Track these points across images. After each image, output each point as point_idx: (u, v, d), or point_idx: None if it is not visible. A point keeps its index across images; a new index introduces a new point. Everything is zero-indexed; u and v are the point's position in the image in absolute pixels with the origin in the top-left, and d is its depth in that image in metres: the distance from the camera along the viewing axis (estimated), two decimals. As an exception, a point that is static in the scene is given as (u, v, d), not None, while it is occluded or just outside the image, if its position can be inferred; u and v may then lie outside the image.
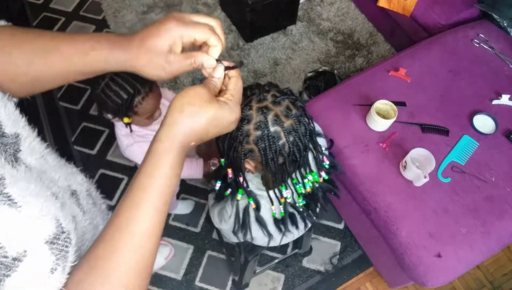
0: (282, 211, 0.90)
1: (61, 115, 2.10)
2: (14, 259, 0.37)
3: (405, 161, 1.32)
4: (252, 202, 0.89)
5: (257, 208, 0.90)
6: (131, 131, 1.19)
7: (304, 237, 1.58)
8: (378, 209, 1.34)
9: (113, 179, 1.91)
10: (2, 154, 0.44)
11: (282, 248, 1.75)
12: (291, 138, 0.74)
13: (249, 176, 0.89)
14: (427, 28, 1.97)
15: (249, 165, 0.80)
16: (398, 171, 1.38)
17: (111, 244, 0.45)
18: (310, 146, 0.80)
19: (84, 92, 2.16)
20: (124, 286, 0.45)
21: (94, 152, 1.99)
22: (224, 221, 0.98)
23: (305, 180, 0.85)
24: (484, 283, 1.75)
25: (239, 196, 0.88)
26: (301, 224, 0.99)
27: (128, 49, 0.50)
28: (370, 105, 1.43)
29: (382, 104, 1.43)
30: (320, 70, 2.11)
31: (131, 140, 1.21)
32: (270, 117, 0.72)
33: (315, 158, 0.86)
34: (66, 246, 0.43)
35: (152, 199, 0.47)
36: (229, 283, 1.70)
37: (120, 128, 1.21)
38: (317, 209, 0.98)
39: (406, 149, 1.37)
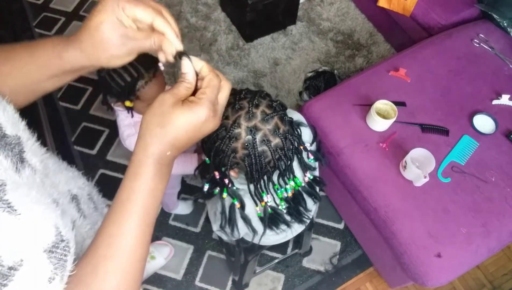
0: (259, 212, 0.92)
1: (61, 115, 2.10)
2: (10, 268, 0.37)
3: (405, 161, 1.32)
4: (236, 202, 0.90)
5: (242, 207, 0.91)
6: (132, 116, 1.19)
7: (304, 237, 1.58)
8: (378, 209, 1.34)
9: (113, 179, 1.91)
10: (9, 155, 0.43)
11: (282, 248, 1.75)
12: (277, 156, 0.75)
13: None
14: (427, 28, 1.97)
15: (233, 172, 0.82)
16: (398, 171, 1.38)
17: (97, 263, 0.45)
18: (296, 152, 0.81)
19: (84, 92, 2.16)
20: None
21: (94, 152, 1.99)
22: (216, 218, 0.99)
23: (287, 186, 0.86)
24: (484, 283, 1.75)
25: (224, 194, 0.89)
26: (294, 223, 0.99)
27: (77, 41, 0.48)
28: (370, 105, 1.43)
29: (382, 104, 1.43)
30: (320, 70, 2.11)
31: (133, 130, 1.21)
32: (258, 137, 0.72)
33: (300, 162, 0.86)
34: (65, 255, 0.42)
35: (134, 213, 0.47)
36: (229, 283, 1.70)
37: (123, 118, 1.22)
38: (300, 211, 0.98)
39: (406, 149, 1.36)
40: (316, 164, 0.96)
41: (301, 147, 0.83)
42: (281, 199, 0.90)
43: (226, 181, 0.83)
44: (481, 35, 1.75)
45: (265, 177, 0.81)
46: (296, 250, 1.73)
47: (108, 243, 0.46)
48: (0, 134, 0.44)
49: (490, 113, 1.50)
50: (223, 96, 0.51)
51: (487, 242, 1.28)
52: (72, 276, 0.44)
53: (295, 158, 0.83)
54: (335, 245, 1.80)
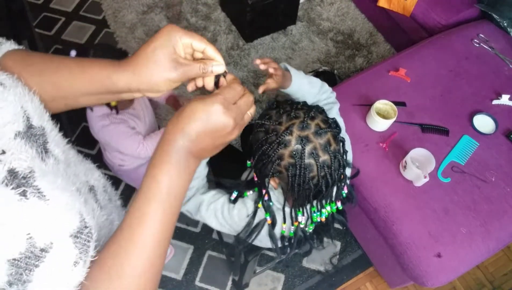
0: (292, 232, 0.89)
1: (61, 115, 2.10)
2: (42, 250, 0.39)
3: (405, 161, 1.32)
4: (268, 218, 0.87)
5: (272, 224, 0.88)
6: (117, 113, 1.24)
7: (304, 237, 1.58)
8: (378, 209, 1.34)
9: (113, 179, 1.90)
10: (34, 145, 0.45)
11: (282, 249, 1.74)
12: (323, 173, 0.73)
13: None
14: (427, 28, 1.97)
15: (273, 181, 0.80)
16: (398, 171, 1.38)
17: (120, 245, 0.46)
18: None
19: (84, 92, 2.16)
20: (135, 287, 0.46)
21: (94, 152, 1.99)
22: (238, 217, 0.94)
23: (323, 210, 0.84)
24: (484, 283, 1.75)
25: (260, 204, 0.87)
26: (304, 246, 0.98)
27: (131, 64, 0.50)
28: (370, 105, 1.43)
29: (382, 104, 1.43)
30: (320, 70, 2.11)
31: (107, 121, 1.25)
32: (308, 148, 0.71)
33: (338, 188, 0.84)
34: (88, 241, 0.44)
35: (156, 205, 0.47)
36: (229, 283, 1.70)
37: (97, 110, 1.25)
38: (324, 239, 0.97)
39: (406, 149, 1.36)
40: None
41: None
42: (312, 222, 0.88)
43: (264, 192, 0.81)
44: (481, 35, 1.75)
45: (305, 195, 0.78)
46: (296, 250, 1.73)
47: (132, 227, 0.47)
48: (28, 124, 0.46)
49: (490, 113, 1.50)
50: (243, 101, 0.51)
51: (487, 242, 1.28)
52: (96, 260, 0.45)
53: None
54: (335, 245, 1.80)
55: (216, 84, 0.55)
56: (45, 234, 0.39)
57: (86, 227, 0.44)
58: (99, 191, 0.64)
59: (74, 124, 2.07)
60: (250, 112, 0.52)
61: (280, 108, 0.76)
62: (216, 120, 0.48)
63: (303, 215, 0.84)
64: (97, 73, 0.51)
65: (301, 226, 0.88)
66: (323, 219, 0.87)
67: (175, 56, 0.50)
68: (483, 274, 1.77)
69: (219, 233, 1.67)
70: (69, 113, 2.07)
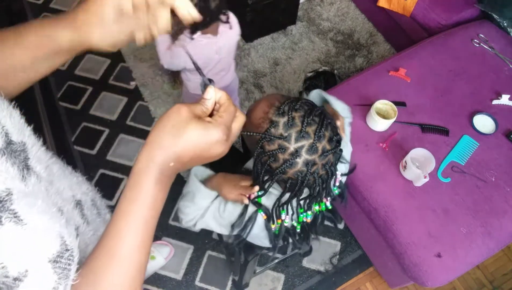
0: (276, 229, 0.90)
1: (61, 115, 2.10)
2: (15, 279, 0.37)
3: (405, 161, 1.32)
4: (262, 213, 0.87)
5: (268, 219, 0.88)
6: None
7: (304, 237, 1.58)
8: (378, 209, 1.34)
9: (113, 179, 1.91)
10: (15, 163, 0.43)
11: (282, 248, 1.74)
12: (316, 185, 0.76)
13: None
14: (427, 28, 1.97)
15: None
16: (398, 171, 1.38)
17: (97, 272, 0.45)
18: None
19: (84, 92, 2.16)
20: None
21: (94, 152, 1.99)
22: (233, 207, 0.93)
23: (309, 212, 0.86)
24: (484, 283, 1.75)
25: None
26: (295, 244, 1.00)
27: (72, 19, 0.49)
28: (370, 105, 1.43)
29: (382, 104, 1.43)
30: (320, 70, 2.11)
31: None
32: (312, 170, 0.72)
33: (327, 187, 0.84)
34: (69, 264, 0.42)
35: (134, 225, 0.46)
36: (229, 283, 1.70)
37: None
38: (310, 236, 0.98)
39: (406, 149, 1.36)
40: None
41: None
42: (298, 223, 0.90)
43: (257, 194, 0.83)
44: (481, 35, 1.75)
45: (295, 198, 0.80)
46: (296, 250, 1.73)
47: (108, 253, 0.45)
48: (7, 140, 0.43)
49: (490, 113, 1.50)
50: (237, 126, 0.51)
51: (487, 242, 1.28)
52: (74, 285, 0.43)
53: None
54: (335, 245, 1.80)
55: (202, 92, 0.52)
56: (20, 262, 0.37)
57: (67, 250, 0.42)
58: (86, 205, 0.61)
59: (74, 124, 2.07)
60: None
61: (290, 116, 0.71)
62: (216, 149, 0.47)
63: (287, 214, 0.85)
64: (35, 36, 0.48)
65: (285, 224, 0.89)
66: (309, 220, 0.89)
67: (119, 8, 0.47)
68: (483, 274, 1.77)
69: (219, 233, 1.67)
70: (69, 113, 2.07)
